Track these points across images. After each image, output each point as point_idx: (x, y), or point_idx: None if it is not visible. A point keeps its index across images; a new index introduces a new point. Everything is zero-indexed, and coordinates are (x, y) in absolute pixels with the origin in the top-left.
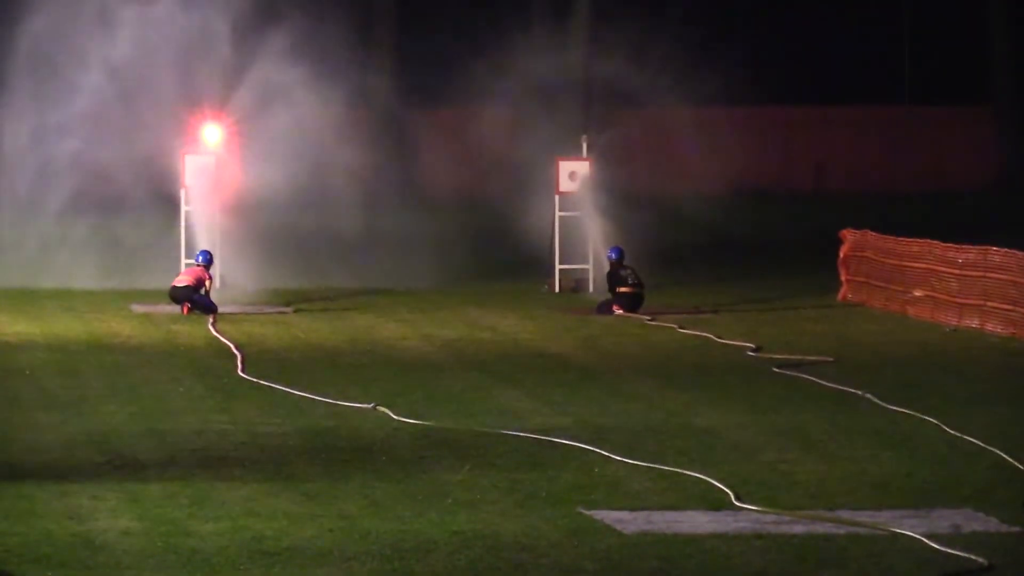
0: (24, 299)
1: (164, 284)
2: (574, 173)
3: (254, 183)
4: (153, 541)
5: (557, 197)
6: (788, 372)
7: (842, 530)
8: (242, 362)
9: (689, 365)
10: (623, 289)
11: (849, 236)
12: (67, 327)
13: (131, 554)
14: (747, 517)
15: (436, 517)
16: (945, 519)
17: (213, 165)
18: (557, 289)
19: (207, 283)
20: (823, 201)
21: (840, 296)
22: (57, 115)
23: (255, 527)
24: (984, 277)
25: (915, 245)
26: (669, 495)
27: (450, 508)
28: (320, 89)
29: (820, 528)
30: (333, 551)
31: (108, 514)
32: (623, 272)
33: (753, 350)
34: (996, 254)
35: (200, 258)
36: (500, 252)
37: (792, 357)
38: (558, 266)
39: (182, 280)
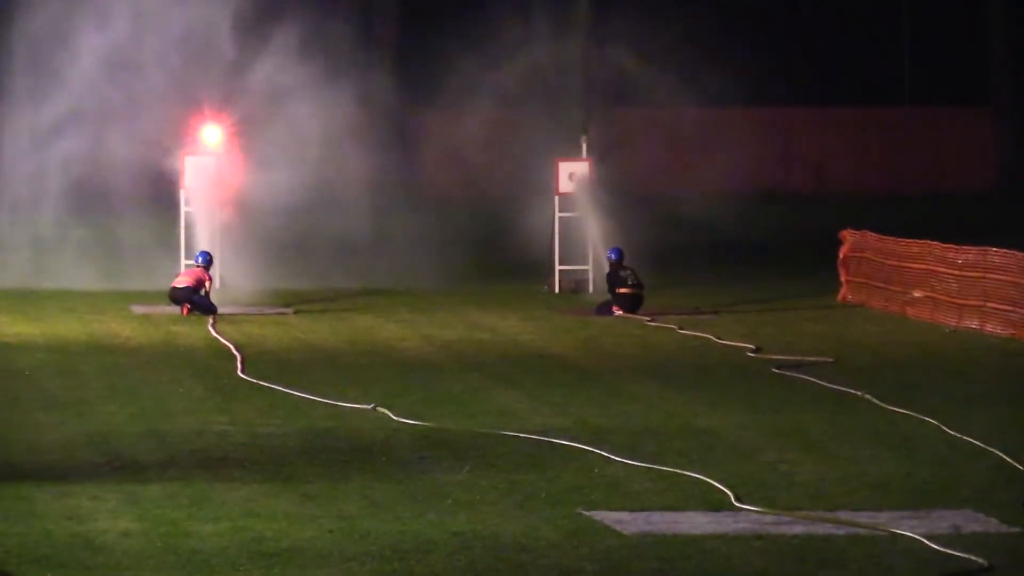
0: (24, 300)
1: (164, 285)
2: (573, 174)
3: (254, 184)
4: (153, 542)
5: (557, 198)
6: (788, 373)
7: (842, 531)
8: (242, 363)
9: (689, 366)
10: (623, 290)
11: (849, 237)
12: (67, 328)
13: (131, 555)
14: (747, 518)
15: (436, 518)
16: (945, 520)
17: (213, 166)
18: (557, 290)
19: (207, 284)
20: (823, 201)
21: (840, 297)
22: (57, 116)
23: (255, 528)
24: (984, 278)
25: (915, 246)
26: (669, 496)
27: (450, 509)
28: (320, 89)
29: (820, 529)
30: (333, 552)
31: (108, 515)
32: (623, 273)
33: (753, 351)
34: (996, 255)
35: (200, 259)
36: (500, 253)
37: (792, 358)
38: (558, 267)
39: (182, 281)
